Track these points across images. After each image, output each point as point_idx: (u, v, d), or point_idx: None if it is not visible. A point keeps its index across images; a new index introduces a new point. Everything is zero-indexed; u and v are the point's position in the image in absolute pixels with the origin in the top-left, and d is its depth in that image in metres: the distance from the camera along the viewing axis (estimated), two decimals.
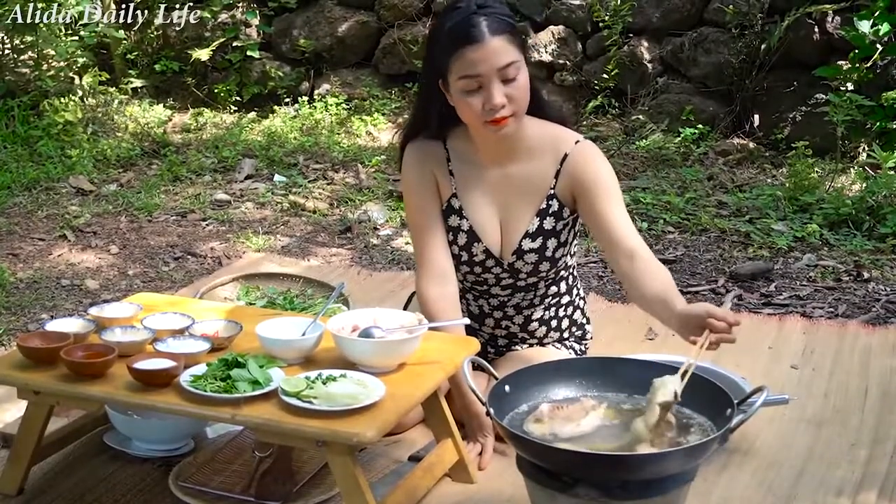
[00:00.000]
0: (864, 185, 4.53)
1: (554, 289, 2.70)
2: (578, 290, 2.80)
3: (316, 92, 6.47)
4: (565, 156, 2.54)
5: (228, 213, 4.70)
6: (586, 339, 2.82)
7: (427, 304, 2.56)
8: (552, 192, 2.56)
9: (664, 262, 3.95)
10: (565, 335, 2.77)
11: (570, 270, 2.74)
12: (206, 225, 4.58)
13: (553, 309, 2.72)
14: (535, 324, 2.72)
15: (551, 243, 2.59)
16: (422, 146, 2.62)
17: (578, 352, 2.78)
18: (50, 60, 6.14)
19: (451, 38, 2.40)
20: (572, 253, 2.69)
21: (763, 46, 5.34)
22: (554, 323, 2.74)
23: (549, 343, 2.76)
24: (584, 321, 2.82)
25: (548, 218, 2.57)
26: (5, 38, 6.11)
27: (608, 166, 2.55)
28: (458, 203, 2.61)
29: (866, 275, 3.79)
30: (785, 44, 5.30)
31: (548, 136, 2.57)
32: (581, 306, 2.80)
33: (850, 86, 5.05)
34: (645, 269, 2.38)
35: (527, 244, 2.58)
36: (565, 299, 2.74)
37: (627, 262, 2.39)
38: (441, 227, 2.62)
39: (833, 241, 4.15)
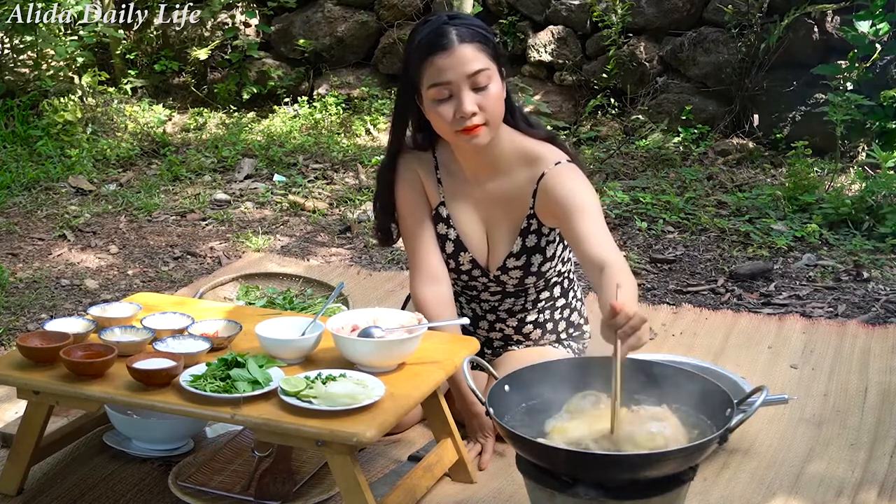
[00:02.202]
0: (864, 184, 4.53)
1: (546, 294, 2.71)
2: (575, 292, 2.79)
3: (315, 92, 6.48)
4: (542, 175, 2.50)
5: (228, 213, 4.70)
6: (584, 339, 2.82)
7: (422, 306, 2.57)
8: (531, 211, 2.55)
9: (664, 261, 3.99)
10: (562, 336, 2.77)
11: (565, 275, 2.74)
12: (206, 225, 4.58)
13: (547, 312, 2.73)
14: (530, 326, 2.73)
15: (536, 259, 2.59)
16: (413, 154, 2.64)
17: (577, 350, 2.78)
18: (49, 60, 6.14)
19: (422, 48, 2.41)
20: (565, 260, 2.69)
21: (762, 46, 5.34)
22: (549, 325, 2.74)
23: (546, 343, 2.76)
24: (582, 321, 2.82)
25: (529, 236, 2.57)
26: (5, 38, 6.11)
27: (583, 185, 2.47)
28: (446, 212, 2.62)
29: (866, 274, 3.80)
30: (784, 43, 5.30)
31: (528, 152, 2.54)
32: (578, 307, 2.80)
33: (849, 85, 5.05)
34: (609, 279, 2.15)
35: (511, 262, 2.60)
36: (560, 302, 2.74)
37: (597, 276, 2.21)
38: (431, 230, 2.63)
39: (832, 240, 4.16)
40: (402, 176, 2.64)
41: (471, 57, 2.38)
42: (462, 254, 2.62)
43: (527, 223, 2.56)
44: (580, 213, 2.38)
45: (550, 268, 2.63)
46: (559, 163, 2.50)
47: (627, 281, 2.13)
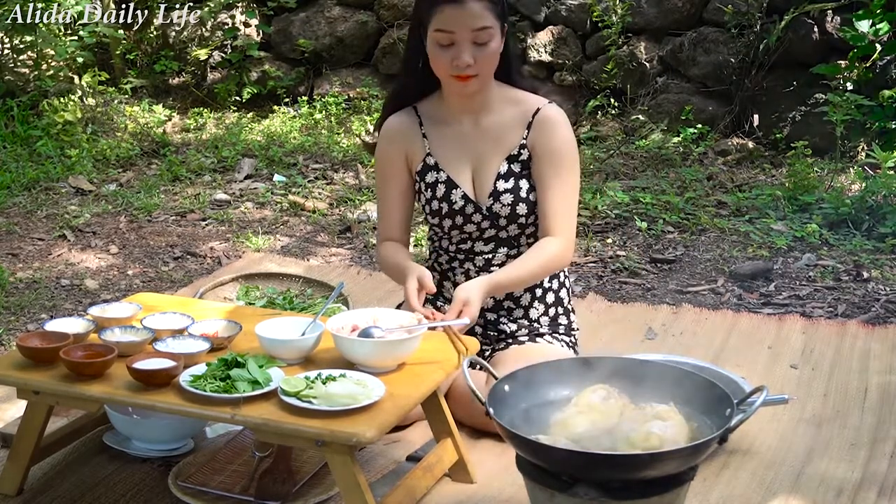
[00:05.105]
0: (864, 184, 4.53)
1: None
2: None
3: (315, 92, 6.48)
4: (537, 110, 2.69)
5: (228, 213, 4.70)
6: (573, 331, 2.82)
7: (383, 260, 2.74)
8: (524, 141, 2.69)
9: (664, 261, 3.99)
10: (550, 312, 2.78)
11: None
12: (206, 225, 4.58)
13: None
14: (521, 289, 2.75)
15: (524, 184, 2.69)
16: (394, 120, 2.77)
17: (569, 344, 2.78)
18: (49, 60, 6.13)
19: None
20: None
21: (762, 46, 5.34)
22: (539, 292, 2.76)
23: (535, 310, 2.77)
24: (571, 308, 2.84)
25: (516, 163, 2.69)
26: (5, 38, 6.11)
27: (573, 137, 2.71)
28: (433, 160, 2.74)
29: (866, 274, 3.80)
30: (784, 43, 5.30)
31: (519, 96, 2.74)
32: (566, 284, 2.83)
33: (849, 85, 5.05)
34: (526, 255, 2.64)
35: (501, 185, 2.69)
36: None
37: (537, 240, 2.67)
38: (401, 202, 2.78)
39: (832, 240, 4.16)
40: (382, 146, 2.78)
41: (478, 14, 2.54)
42: (454, 191, 2.71)
43: (517, 151, 2.69)
44: (565, 171, 2.65)
45: (536, 199, 2.70)
46: (551, 102, 2.73)
47: (532, 262, 2.60)
